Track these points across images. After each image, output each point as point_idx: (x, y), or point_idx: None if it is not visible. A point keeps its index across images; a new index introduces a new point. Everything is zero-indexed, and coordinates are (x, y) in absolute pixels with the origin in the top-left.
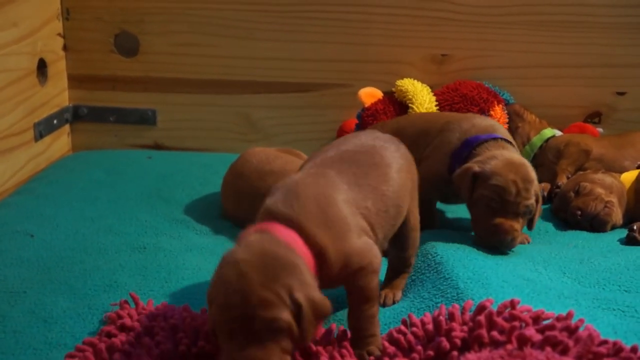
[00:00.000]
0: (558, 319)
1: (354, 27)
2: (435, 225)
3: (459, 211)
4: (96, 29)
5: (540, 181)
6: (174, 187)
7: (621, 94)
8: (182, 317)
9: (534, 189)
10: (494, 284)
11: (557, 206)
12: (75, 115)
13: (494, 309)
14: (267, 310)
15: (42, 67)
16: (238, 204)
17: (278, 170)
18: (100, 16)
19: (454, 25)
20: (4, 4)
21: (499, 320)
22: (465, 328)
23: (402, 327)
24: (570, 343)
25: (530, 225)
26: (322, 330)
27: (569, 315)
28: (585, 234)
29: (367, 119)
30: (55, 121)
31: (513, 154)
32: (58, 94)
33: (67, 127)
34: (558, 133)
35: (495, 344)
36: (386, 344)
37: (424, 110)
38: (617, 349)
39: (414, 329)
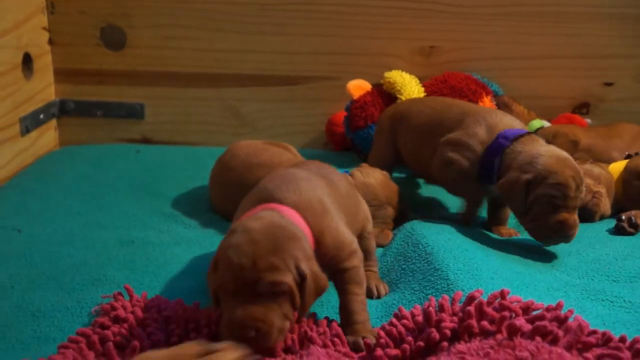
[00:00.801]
0: (548, 309)
1: (342, 20)
2: (471, 221)
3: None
4: (82, 22)
5: None
6: (162, 181)
7: (609, 84)
8: (174, 309)
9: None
10: (484, 276)
11: None
12: (62, 110)
13: (484, 299)
14: (273, 274)
15: (27, 61)
16: (226, 198)
17: (266, 162)
18: (86, 10)
19: (442, 17)
20: None
21: (489, 310)
22: (455, 319)
23: (394, 320)
24: (560, 333)
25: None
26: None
27: (559, 306)
28: None
29: (355, 111)
30: (41, 116)
31: (553, 148)
32: (44, 88)
33: (53, 121)
34: (546, 124)
35: (485, 334)
36: (380, 333)
37: None
38: (606, 339)
39: (404, 321)
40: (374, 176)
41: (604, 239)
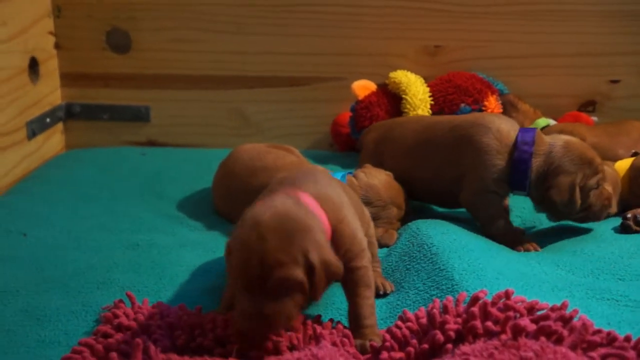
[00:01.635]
0: (552, 309)
1: (346, 20)
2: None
3: None
4: (87, 26)
5: None
6: (167, 184)
7: (615, 82)
8: (178, 315)
9: None
10: (489, 276)
11: None
12: (69, 113)
13: (489, 299)
14: (281, 270)
15: (33, 65)
16: (230, 202)
17: (270, 166)
18: (91, 13)
19: (446, 16)
20: None
21: (493, 310)
22: (459, 320)
23: (399, 322)
24: (565, 333)
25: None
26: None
27: (563, 306)
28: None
29: (360, 112)
30: (48, 119)
31: (563, 138)
32: (50, 92)
33: (60, 125)
34: (552, 122)
35: (489, 335)
36: (385, 336)
37: (417, 102)
38: (611, 339)
39: (409, 323)
40: (377, 177)
41: (610, 237)
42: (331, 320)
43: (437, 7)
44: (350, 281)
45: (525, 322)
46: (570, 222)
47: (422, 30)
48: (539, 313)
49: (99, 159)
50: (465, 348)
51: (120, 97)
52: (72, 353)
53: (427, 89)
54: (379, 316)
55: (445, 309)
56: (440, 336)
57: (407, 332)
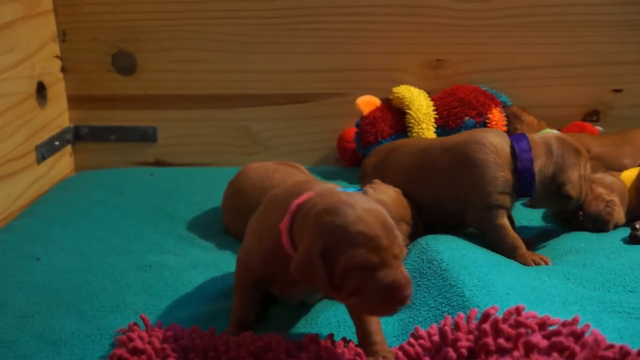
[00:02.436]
0: (564, 324)
1: (348, 37)
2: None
3: None
4: (93, 49)
5: None
6: (177, 204)
7: (618, 91)
8: (191, 337)
9: None
10: (499, 291)
11: None
12: (77, 136)
13: (500, 316)
14: (398, 233)
15: (41, 89)
16: (240, 221)
17: (278, 183)
18: (97, 36)
19: (448, 30)
20: None
21: (505, 327)
22: (471, 337)
23: (411, 340)
24: (577, 348)
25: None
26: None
27: (575, 321)
28: (587, 234)
29: (366, 127)
30: (56, 143)
31: (550, 133)
32: (58, 115)
33: (68, 147)
34: (557, 133)
35: (501, 352)
36: (398, 354)
37: (421, 116)
38: (624, 353)
39: (421, 341)
40: (387, 193)
41: (619, 248)
42: (343, 338)
43: (438, 20)
44: None
45: (537, 338)
46: (580, 233)
47: (424, 45)
48: (550, 328)
49: (108, 181)
50: None
51: (127, 118)
52: None
53: (431, 103)
54: (391, 334)
55: (456, 326)
56: (452, 354)
57: (419, 349)
